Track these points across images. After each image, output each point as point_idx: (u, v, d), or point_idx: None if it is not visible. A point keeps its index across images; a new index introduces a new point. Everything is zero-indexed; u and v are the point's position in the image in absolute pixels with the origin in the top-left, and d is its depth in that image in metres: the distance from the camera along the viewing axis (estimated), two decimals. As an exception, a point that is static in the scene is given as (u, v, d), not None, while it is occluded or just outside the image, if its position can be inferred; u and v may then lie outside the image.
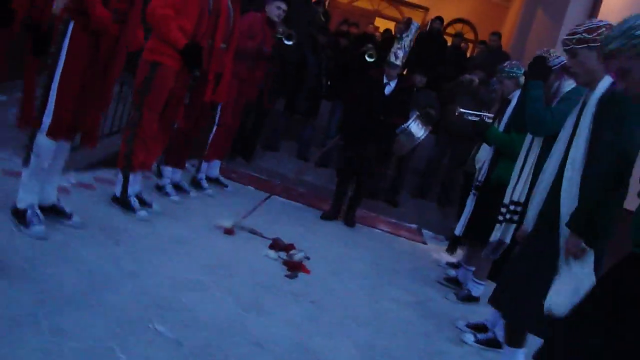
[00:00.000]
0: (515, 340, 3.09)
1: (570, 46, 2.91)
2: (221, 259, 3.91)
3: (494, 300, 3.13)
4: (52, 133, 3.27)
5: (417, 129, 5.93)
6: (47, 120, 3.24)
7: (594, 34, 2.81)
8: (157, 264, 3.46)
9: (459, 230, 4.65)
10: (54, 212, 3.57)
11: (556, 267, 2.71)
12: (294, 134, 8.16)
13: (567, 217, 2.72)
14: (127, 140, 4.16)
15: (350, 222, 6.13)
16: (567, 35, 2.95)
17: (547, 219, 2.91)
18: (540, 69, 3.54)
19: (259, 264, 4.06)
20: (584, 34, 2.86)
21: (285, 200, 6.31)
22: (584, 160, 2.76)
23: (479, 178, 4.54)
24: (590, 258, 2.62)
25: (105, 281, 3.02)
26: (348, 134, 6.11)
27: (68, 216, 3.61)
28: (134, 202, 4.23)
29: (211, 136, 5.44)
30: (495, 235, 3.65)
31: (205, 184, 5.61)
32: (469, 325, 4.00)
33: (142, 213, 4.19)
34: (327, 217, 6.09)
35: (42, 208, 3.46)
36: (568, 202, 2.76)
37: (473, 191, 4.59)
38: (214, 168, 5.89)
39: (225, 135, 5.67)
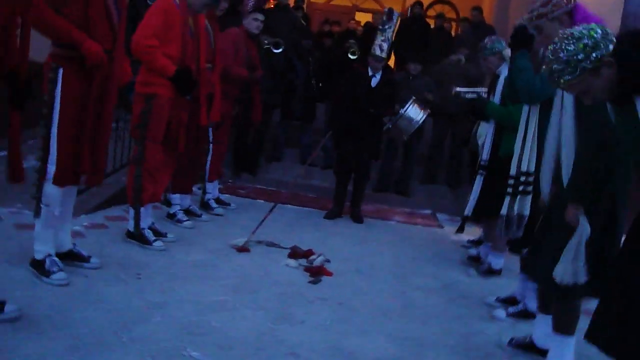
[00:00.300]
0: (545, 306, 3.09)
1: (534, 23, 2.92)
2: (243, 276, 3.92)
3: (526, 268, 3.11)
4: (58, 181, 3.29)
5: (415, 112, 5.95)
6: (51, 168, 3.27)
7: (550, 5, 2.82)
8: (181, 291, 3.48)
9: (468, 210, 4.62)
10: (71, 258, 3.60)
11: None
12: (295, 141, 8.18)
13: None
14: (135, 175, 4.17)
15: (357, 218, 6.15)
16: (527, 14, 2.97)
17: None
18: (521, 38, 3.54)
19: (280, 275, 4.07)
20: (540, 9, 2.88)
21: (296, 207, 6.33)
22: (575, 135, 2.77)
23: (484, 157, 4.53)
24: (582, 226, 2.61)
25: (133, 316, 3.04)
26: (338, 131, 6.12)
27: (86, 259, 3.63)
28: (149, 234, 4.25)
29: (209, 157, 5.45)
30: (505, 209, 3.64)
31: (213, 204, 5.64)
32: (499, 300, 4.00)
33: (158, 244, 4.22)
34: (329, 216, 6.11)
35: (58, 255, 3.49)
36: (567, 174, 2.77)
37: (480, 171, 4.57)
38: (213, 189, 5.90)
39: (221, 153, 5.69)
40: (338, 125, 6.15)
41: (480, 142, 4.82)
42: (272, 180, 7.39)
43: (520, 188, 3.59)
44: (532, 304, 3.64)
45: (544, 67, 2.28)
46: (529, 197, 3.55)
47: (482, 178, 4.51)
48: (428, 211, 7.33)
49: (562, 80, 2.11)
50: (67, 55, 3.20)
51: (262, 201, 6.44)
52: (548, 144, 3.02)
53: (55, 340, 2.65)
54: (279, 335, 3.07)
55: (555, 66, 2.11)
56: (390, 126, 6.19)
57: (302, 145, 8.05)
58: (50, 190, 3.31)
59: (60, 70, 3.20)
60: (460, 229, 5.03)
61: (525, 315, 3.72)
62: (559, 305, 2.92)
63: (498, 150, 4.31)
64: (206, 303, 3.36)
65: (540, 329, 3.20)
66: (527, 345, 3.26)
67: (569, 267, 2.58)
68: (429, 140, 7.89)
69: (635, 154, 2.17)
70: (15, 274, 3.36)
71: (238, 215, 5.64)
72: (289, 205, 6.31)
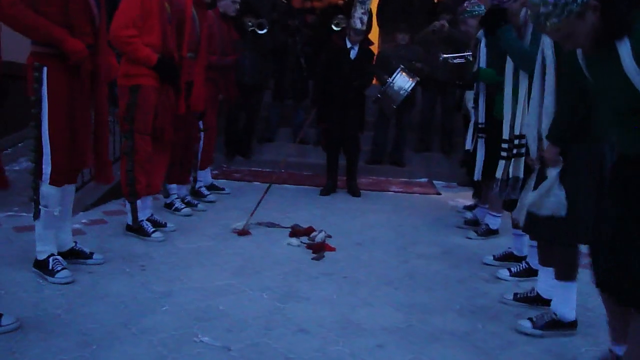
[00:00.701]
0: (547, 260, 3.15)
1: None
2: (246, 259, 3.94)
3: (525, 225, 3.12)
4: (54, 181, 3.28)
5: (403, 81, 5.92)
6: (47, 169, 3.25)
7: None
8: (185, 279, 3.50)
9: (477, 175, 4.60)
10: (74, 256, 3.61)
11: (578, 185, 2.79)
12: (288, 120, 8.14)
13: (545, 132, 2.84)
14: (126, 169, 4.15)
15: (354, 191, 6.17)
16: None
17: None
18: (496, 18, 3.57)
19: (283, 254, 4.10)
20: None
21: (292, 186, 6.34)
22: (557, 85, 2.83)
23: (480, 120, 4.51)
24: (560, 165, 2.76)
25: (141, 308, 3.06)
26: (322, 105, 6.11)
27: (89, 256, 3.65)
28: (147, 226, 4.26)
29: (201, 144, 5.43)
30: (499, 172, 3.68)
31: (205, 191, 5.63)
32: (496, 258, 4.07)
33: (157, 234, 4.23)
34: (324, 192, 6.14)
35: (61, 254, 3.51)
36: (547, 119, 2.86)
37: (479, 134, 4.55)
38: (206, 175, 5.89)
39: (211, 139, 5.67)
40: (322, 100, 6.14)
41: (469, 107, 4.82)
42: (267, 162, 7.38)
43: (515, 151, 3.61)
44: (534, 261, 3.69)
45: (529, 12, 2.30)
46: (523, 160, 3.58)
47: (483, 141, 4.48)
48: (424, 179, 7.35)
49: (548, 24, 2.11)
50: (50, 53, 3.17)
51: (258, 183, 6.45)
52: (533, 99, 3.05)
53: (65, 338, 2.68)
54: (287, 314, 3.10)
55: (542, 9, 2.11)
56: (379, 96, 6.18)
57: (294, 125, 8.02)
58: (48, 190, 3.30)
59: (45, 69, 3.17)
60: (477, 194, 5.11)
61: (529, 273, 3.76)
62: (559, 254, 3.01)
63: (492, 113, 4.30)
64: (212, 288, 3.38)
65: (544, 282, 3.28)
66: (533, 299, 3.33)
67: (537, 198, 2.75)
68: (420, 109, 7.87)
69: (612, 98, 2.19)
70: (19, 276, 3.37)
71: (235, 200, 5.65)
72: (286, 185, 6.32)
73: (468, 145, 4.71)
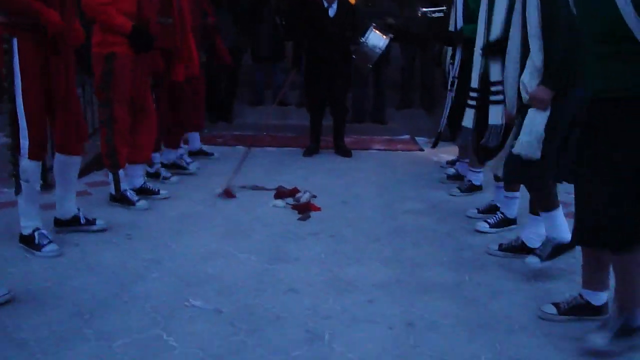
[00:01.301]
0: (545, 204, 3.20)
1: None
2: (233, 222, 3.95)
3: (507, 175, 3.19)
4: (33, 154, 3.24)
5: (376, 39, 5.86)
6: (24, 143, 3.20)
7: None
8: (174, 245, 3.51)
9: (441, 126, 4.74)
10: (76, 224, 3.64)
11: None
12: (271, 83, 8.07)
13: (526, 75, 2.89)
14: (106, 139, 4.09)
15: (343, 151, 6.16)
16: None
17: None
18: None
19: (269, 216, 4.11)
20: None
21: (275, 148, 6.33)
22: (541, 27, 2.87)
23: (452, 74, 4.53)
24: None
25: (130, 276, 3.07)
26: (307, 66, 6.05)
27: (92, 222, 3.67)
28: (131, 195, 4.24)
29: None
30: (467, 122, 3.77)
31: (187, 158, 5.53)
32: (480, 211, 4.12)
33: (142, 203, 4.21)
34: (307, 153, 6.13)
35: (63, 222, 3.57)
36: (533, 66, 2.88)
37: (450, 88, 4.59)
38: (194, 141, 5.85)
39: (196, 104, 5.59)
40: (306, 61, 6.08)
41: (447, 64, 4.82)
42: (249, 125, 7.34)
43: (494, 98, 3.62)
44: (509, 211, 3.83)
45: None
46: (501, 107, 3.61)
47: (451, 95, 4.53)
48: (407, 136, 7.36)
49: None
50: (19, 23, 3.08)
51: (241, 147, 6.42)
52: (512, 48, 3.06)
53: (58, 310, 2.68)
54: (276, 275, 3.13)
55: None
56: (353, 56, 6.12)
57: (274, 86, 7.96)
58: (28, 165, 3.25)
59: (15, 40, 3.09)
60: (434, 144, 5.16)
61: (505, 222, 3.84)
62: (536, 193, 3.14)
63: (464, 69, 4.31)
64: (200, 253, 3.39)
65: (529, 230, 3.36)
66: (518, 248, 3.39)
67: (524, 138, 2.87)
68: (400, 66, 7.84)
69: (595, 23, 2.22)
70: (6, 252, 3.35)
71: (219, 165, 5.62)
72: (268, 148, 6.30)
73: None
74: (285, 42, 7.77)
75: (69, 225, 3.63)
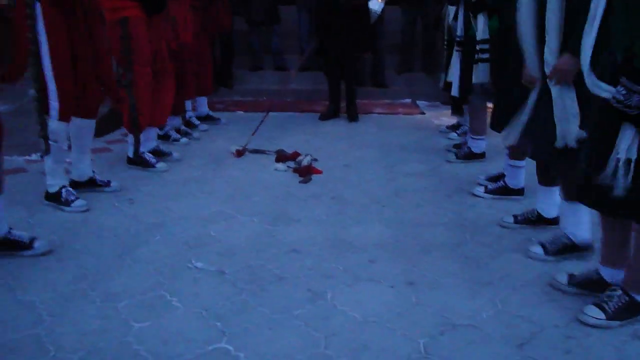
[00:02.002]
0: (546, 179, 3.16)
1: None
2: (235, 186, 3.96)
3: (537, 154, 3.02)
4: (63, 115, 3.29)
5: (373, 3, 5.79)
6: (54, 104, 3.25)
7: None
8: (176, 209, 3.53)
9: (455, 91, 4.51)
10: (92, 185, 3.73)
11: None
12: (268, 48, 8.00)
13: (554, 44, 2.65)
14: (129, 103, 4.08)
15: (354, 116, 6.14)
16: None
17: None
18: None
19: (271, 180, 4.12)
20: None
21: (276, 113, 6.29)
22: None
23: (459, 34, 4.44)
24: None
25: (133, 240, 3.09)
26: (321, 31, 6.00)
27: (107, 184, 3.77)
28: (149, 157, 4.29)
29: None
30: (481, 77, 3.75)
31: (196, 121, 5.60)
32: (487, 178, 4.06)
33: (161, 165, 4.27)
34: (326, 117, 6.11)
35: (79, 184, 3.66)
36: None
37: (456, 48, 4.48)
38: (202, 105, 5.83)
39: (201, 69, 5.54)
40: (320, 25, 6.02)
41: (450, 22, 4.74)
42: (250, 91, 7.31)
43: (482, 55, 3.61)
44: (512, 181, 3.74)
45: None
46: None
47: (459, 55, 4.41)
48: (408, 100, 7.32)
49: None
50: None
51: (241, 112, 6.41)
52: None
53: (62, 272, 2.71)
54: (278, 236, 3.15)
55: None
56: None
57: (272, 51, 7.88)
58: (57, 126, 3.31)
59: (37, 4, 3.06)
60: (457, 111, 5.11)
61: (504, 191, 3.75)
62: (564, 175, 2.89)
63: (470, 28, 4.21)
64: (202, 216, 3.40)
65: (544, 201, 3.24)
66: (535, 220, 3.27)
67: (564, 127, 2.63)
68: (400, 29, 7.75)
69: None
70: (9, 218, 3.35)
71: (220, 130, 5.63)
72: (271, 113, 6.27)
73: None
74: (277, 5, 7.65)
75: (84, 186, 3.70)
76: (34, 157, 4.50)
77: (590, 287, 2.53)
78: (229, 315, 2.35)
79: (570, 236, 2.89)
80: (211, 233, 3.17)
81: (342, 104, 6.24)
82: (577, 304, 2.45)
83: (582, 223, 2.86)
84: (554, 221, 3.22)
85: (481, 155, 4.61)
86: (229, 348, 2.13)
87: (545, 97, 2.76)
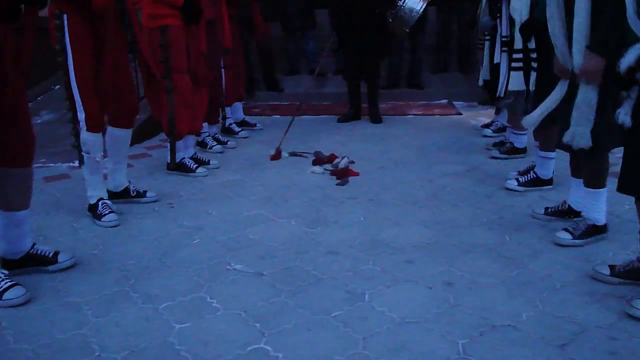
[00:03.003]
0: (577, 170, 3.16)
1: None
2: (272, 189, 3.99)
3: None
4: (90, 126, 3.32)
5: (414, 2, 5.76)
6: (81, 115, 3.29)
7: None
8: (214, 213, 3.57)
9: (501, 91, 4.50)
10: (126, 196, 3.72)
11: None
12: (304, 52, 8.04)
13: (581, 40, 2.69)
14: (168, 110, 4.15)
15: (376, 118, 6.13)
16: None
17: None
18: None
19: (308, 182, 4.14)
20: None
21: (312, 117, 6.33)
22: None
23: (504, 32, 4.37)
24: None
25: (173, 243, 3.15)
26: (341, 33, 6.01)
27: (142, 194, 3.76)
28: (189, 162, 4.35)
29: (224, 81, 5.35)
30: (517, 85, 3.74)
31: (236, 128, 5.65)
32: (520, 173, 4.05)
33: (201, 170, 4.33)
34: (342, 119, 6.13)
35: (116, 194, 3.66)
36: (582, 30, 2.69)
37: (503, 48, 4.43)
38: (237, 111, 5.90)
39: (235, 75, 5.59)
40: (341, 28, 6.04)
41: (483, 21, 4.69)
42: (285, 95, 7.36)
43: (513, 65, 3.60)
44: (543, 172, 3.79)
45: None
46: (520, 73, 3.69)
47: (506, 55, 4.35)
48: (444, 101, 7.27)
49: None
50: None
51: (278, 116, 6.45)
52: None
53: (105, 275, 2.77)
54: (316, 238, 3.16)
55: None
56: (390, 20, 6.03)
57: (307, 55, 7.93)
58: (86, 137, 3.34)
59: (64, 16, 3.13)
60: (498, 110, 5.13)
61: (536, 183, 3.80)
62: (587, 163, 2.98)
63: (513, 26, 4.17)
64: (241, 219, 3.44)
65: (575, 194, 3.25)
66: (565, 212, 3.31)
67: (578, 130, 2.75)
68: (435, 29, 7.71)
69: None
70: (54, 222, 3.48)
71: (257, 134, 5.68)
72: (305, 116, 6.31)
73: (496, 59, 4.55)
74: (313, 10, 7.70)
75: (120, 197, 3.70)
76: (76, 163, 4.61)
77: (633, 276, 2.56)
78: (268, 317, 2.37)
79: (593, 221, 3.01)
80: (249, 236, 3.21)
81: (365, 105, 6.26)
82: (620, 304, 2.40)
83: (602, 209, 3.01)
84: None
85: (523, 150, 4.64)
86: (268, 349, 2.16)
87: (573, 90, 2.83)
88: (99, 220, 3.41)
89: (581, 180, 3.13)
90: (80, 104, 3.26)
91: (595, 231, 3.02)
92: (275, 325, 2.31)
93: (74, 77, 3.21)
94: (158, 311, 2.44)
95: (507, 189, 3.83)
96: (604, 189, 2.99)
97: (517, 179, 3.86)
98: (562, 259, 2.86)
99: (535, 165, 3.96)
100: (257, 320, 2.35)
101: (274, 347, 2.16)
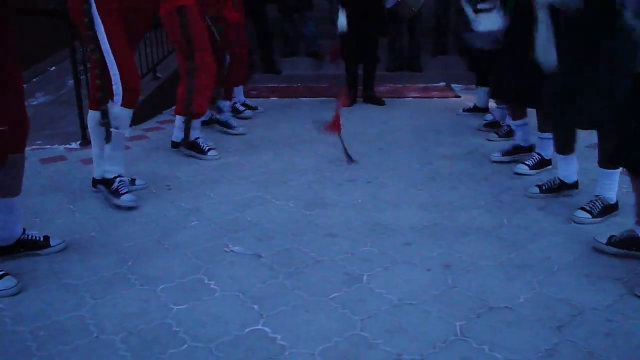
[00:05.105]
0: (563, 147, 3.30)
1: None
2: (270, 171, 3.99)
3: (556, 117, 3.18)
4: (126, 101, 3.25)
5: None
6: (118, 89, 3.19)
7: None
8: (212, 194, 3.57)
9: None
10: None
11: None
12: (301, 34, 7.99)
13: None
14: (186, 88, 4.13)
15: (372, 100, 6.10)
16: None
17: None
18: None
19: (306, 164, 4.13)
20: None
21: (311, 99, 6.30)
22: None
23: None
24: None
25: (171, 224, 3.14)
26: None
27: (131, 182, 3.64)
28: (202, 143, 4.33)
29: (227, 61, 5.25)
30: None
31: (240, 107, 5.62)
32: (503, 153, 4.11)
33: (213, 152, 4.30)
34: (349, 103, 6.07)
35: (103, 182, 3.53)
36: None
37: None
38: (238, 94, 5.86)
39: (243, 57, 5.48)
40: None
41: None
42: (282, 77, 7.32)
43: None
44: (545, 152, 3.83)
45: None
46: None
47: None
48: (442, 83, 7.24)
49: None
50: None
51: (275, 98, 6.42)
52: None
53: (103, 257, 2.77)
54: (314, 220, 3.16)
55: None
56: (399, 1, 5.97)
57: (305, 37, 7.87)
58: (120, 112, 3.27)
59: None
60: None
61: (542, 163, 3.84)
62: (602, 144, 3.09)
63: None
64: (239, 201, 3.44)
65: (565, 168, 3.37)
66: (557, 187, 3.40)
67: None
68: (434, 12, 7.65)
69: None
70: (51, 204, 3.46)
71: (256, 117, 5.64)
72: (303, 98, 6.29)
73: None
74: None
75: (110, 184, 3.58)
76: (73, 145, 4.61)
77: (627, 246, 2.66)
78: (266, 298, 2.38)
79: (608, 199, 3.11)
80: (247, 218, 3.20)
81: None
82: (617, 286, 2.42)
83: (615, 188, 3.12)
84: (575, 185, 3.42)
85: None
86: (266, 330, 2.16)
87: (574, 68, 2.94)
88: (116, 198, 3.33)
89: (566, 156, 3.30)
90: (118, 76, 3.16)
91: (610, 209, 3.11)
92: (274, 306, 2.31)
93: (109, 49, 3.11)
94: (156, 293, 2.44)
95: (517, 173, 3.82)
96: (618, 169, 3.07)
97: (525, 163, 3.86)
98: (560, 241, 2.86)
99: (519, 144, 4.10)
100: (255, 302, 2.35)
101: (272, 328, 2.17)
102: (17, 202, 2.67)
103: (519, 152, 4.06)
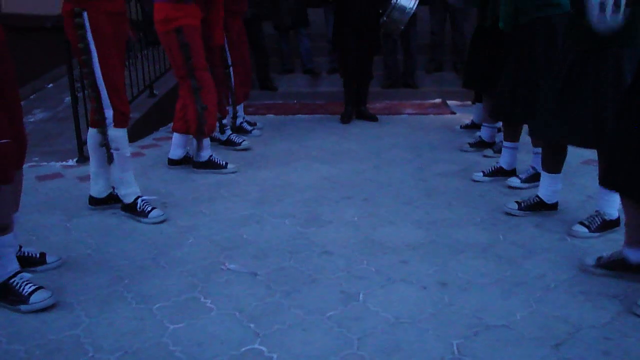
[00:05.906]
0: (549, 165, 3.33)
1: None
2: (266, 189, 3.99)
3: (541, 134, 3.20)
4: (118, 122, 3.30)
5: (406, 1, 5.76)
6: (108, 112, 3.26)
7: None
8: (208, 212, 3.57)
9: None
10: (114, 201, 3.61)
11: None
12: (297, 51, 8.04)
13: None
14: (195, 107, 4.15)
15: (365, 116, 6.12)
16: None
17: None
18: None
19: (302, 182, 4.14)
20: None
21: (307, 115, 6.32)
22: None
23: None
24: None
25: (167, 242, 3.14)
26: (338, 32, 6.01)
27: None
28: (218, 159, 4.38)
29: (233, 79, 5.23)
30: None
31: (248, 126, 5.59)
32: (485, 174, 4.12)
33: (232, 166, 4.37)
34: (347, 120, 6.11)
35: (97, 201, 3.57)
36: None
37: None
38: (239, 111, 5.86)
39: (245, 73, 5.51)
40: (338, 27, 6.03)
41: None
42: (279, 94, 7.35)
43: None
44: (539, 166, 3.76)
45: None
46: None
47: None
48: (438, 100, 7.29)
49: None
50: None
51: (272, 115, 6.44)
52: None
53: (99, 275, 2.76)
54: (310, 238, 3.16)
55: None
56: (385, 19, 6.03)
57: (301, 54, 7.91)
58: (115, 133, 3.32)
59: (85, 13, 3.09)
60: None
61: (535, 177, 3.84)
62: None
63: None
64: (235, 219, 3.44)
65: (547, 188, 3.38)
66: (536, 205, 3.42)
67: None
68: (427, 29, 7.72)
69: None
70: (47, 221, 3.46)
71: (253, 134, 5.65)
72: (299, 115, 6.31)
73: None
74: (305, 8, 7.66)
75: (103, 203, 3.60)
76: (70, 162, 4.61)
77: (615, 268, 2.65)
78: (263, 317, 2.37)
79: (607, 215, 3.13)
80: (243, 235, 3.20)
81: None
82: (614, 304, 2.42)
83: (616, 204, 3.10)
84: (554, 206, 3.42)
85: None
86: (263, 349, 2.15)
87: (570, 84, 2.95)
88: (145, 218, 3.39)
89: (550, 174, 3.32)
90: (108, 100, 3.23)
91: (610, 225, 3.13)
92: (270, 325, 2.30)
93: (99, 74, 3.18)
94: (152, 311, 2.43)
95: (510, 187, 3.88)
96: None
97: (518, 177, 3.92)
98: (556, 258, 2.87)
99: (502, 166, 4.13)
100: (251, 320, 2.34)
101: (268, 347, 2.16)
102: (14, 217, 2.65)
103: (499, 174, 4.08)
